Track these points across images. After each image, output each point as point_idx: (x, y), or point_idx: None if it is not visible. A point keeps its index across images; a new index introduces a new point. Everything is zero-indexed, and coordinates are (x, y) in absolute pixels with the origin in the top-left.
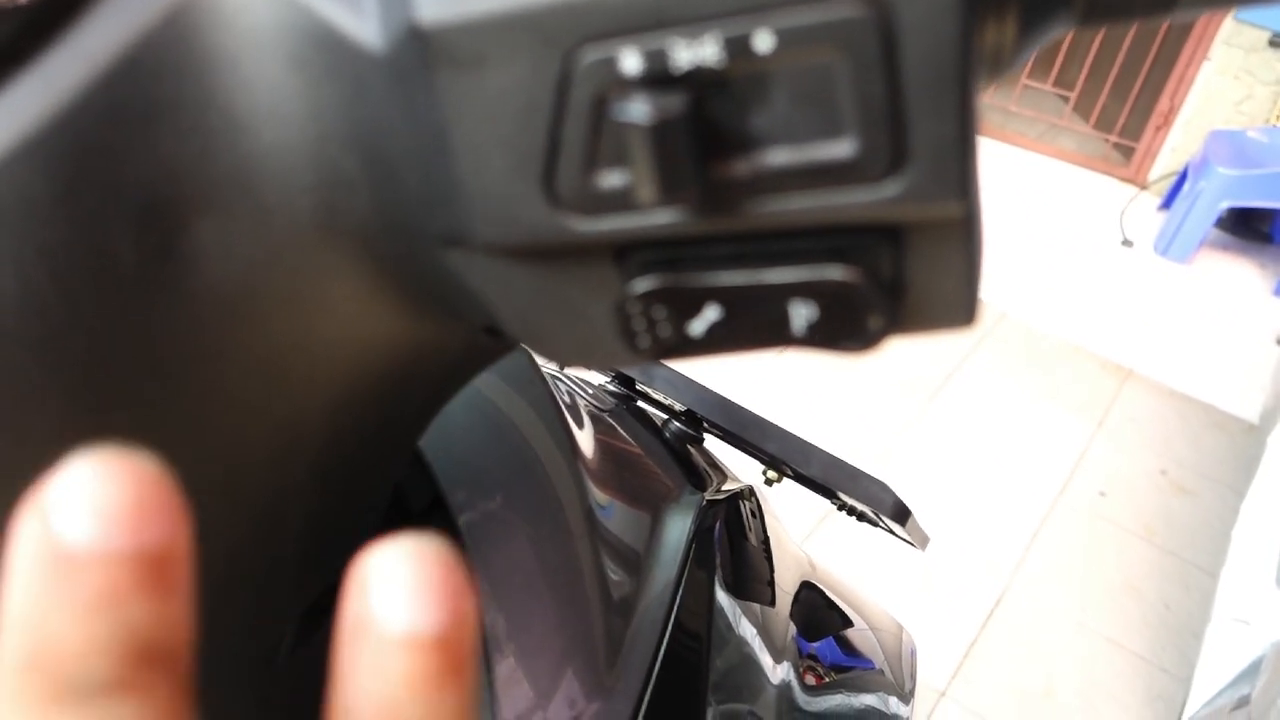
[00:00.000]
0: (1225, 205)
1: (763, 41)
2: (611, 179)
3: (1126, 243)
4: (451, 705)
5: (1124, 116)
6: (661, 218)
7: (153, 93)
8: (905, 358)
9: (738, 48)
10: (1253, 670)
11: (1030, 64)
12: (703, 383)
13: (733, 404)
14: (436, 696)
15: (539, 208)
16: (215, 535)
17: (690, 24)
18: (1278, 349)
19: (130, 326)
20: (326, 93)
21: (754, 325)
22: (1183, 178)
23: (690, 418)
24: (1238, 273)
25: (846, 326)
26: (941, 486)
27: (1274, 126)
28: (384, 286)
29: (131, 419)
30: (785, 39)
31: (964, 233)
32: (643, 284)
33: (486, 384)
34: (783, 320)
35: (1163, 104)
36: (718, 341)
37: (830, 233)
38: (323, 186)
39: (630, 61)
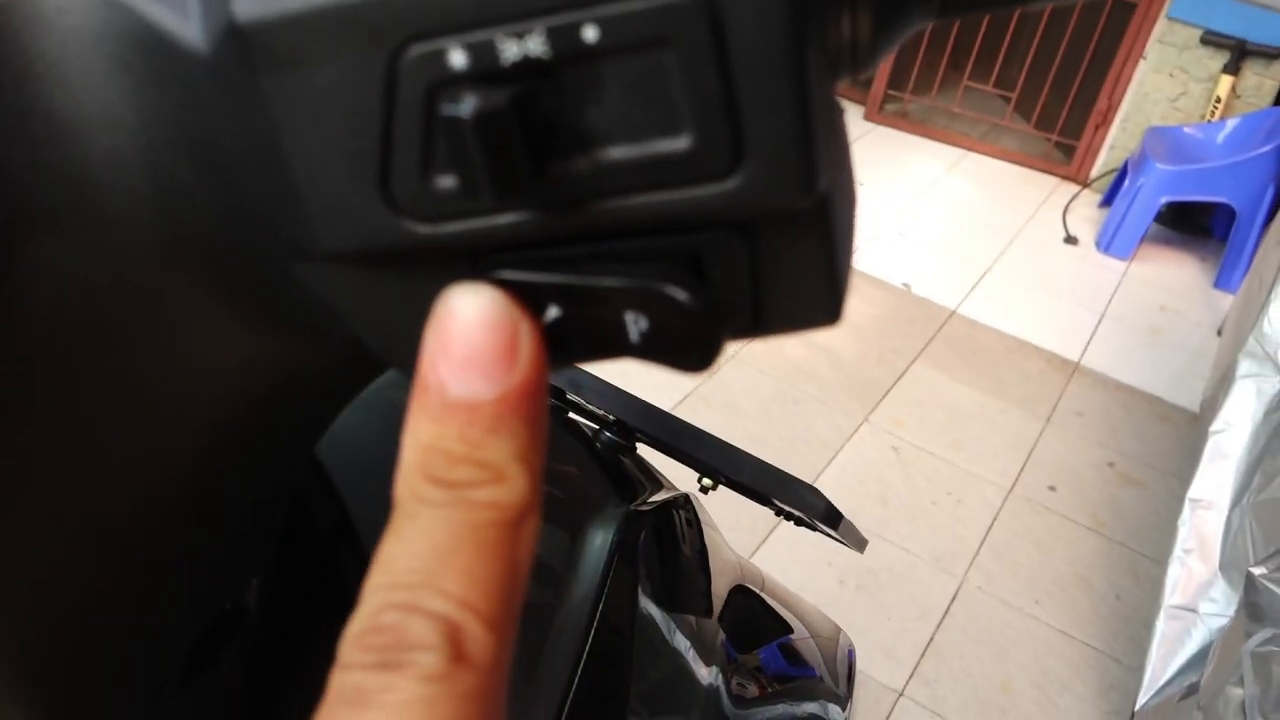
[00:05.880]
0: (1164, 200)
1: (589, 33)
2: (448, 181)
3: (1070, 239)
4: (505, 443)
5: (1064, 116)
6: (503, 219)
7: None
8: (854, 360)
9: (565, 40)
10: (1200, 658)
11: (971, 65)
12: (632, 392)
13: (663, 413)
14: (490, 440)
15: (378, 213)
16: (75, 568)
17: (515, 20)
18: (1219, 340)
19: None
20: (155, 97)
21: (591, 330)
22: (1123, 175)
23: (621, 427)
24: (1179, 266)
25: (678, 343)
26: (894, 486)
27: (1209, 123)
28: (237, 302)
29: None
30: (611, 29)
31: (818, 227)
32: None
33: (397, 395)
34: (619, 328)
35: (1101, 103)
36: (563, 343)
37: (681, 230)
38: (161, 197)
39: (457, 57)
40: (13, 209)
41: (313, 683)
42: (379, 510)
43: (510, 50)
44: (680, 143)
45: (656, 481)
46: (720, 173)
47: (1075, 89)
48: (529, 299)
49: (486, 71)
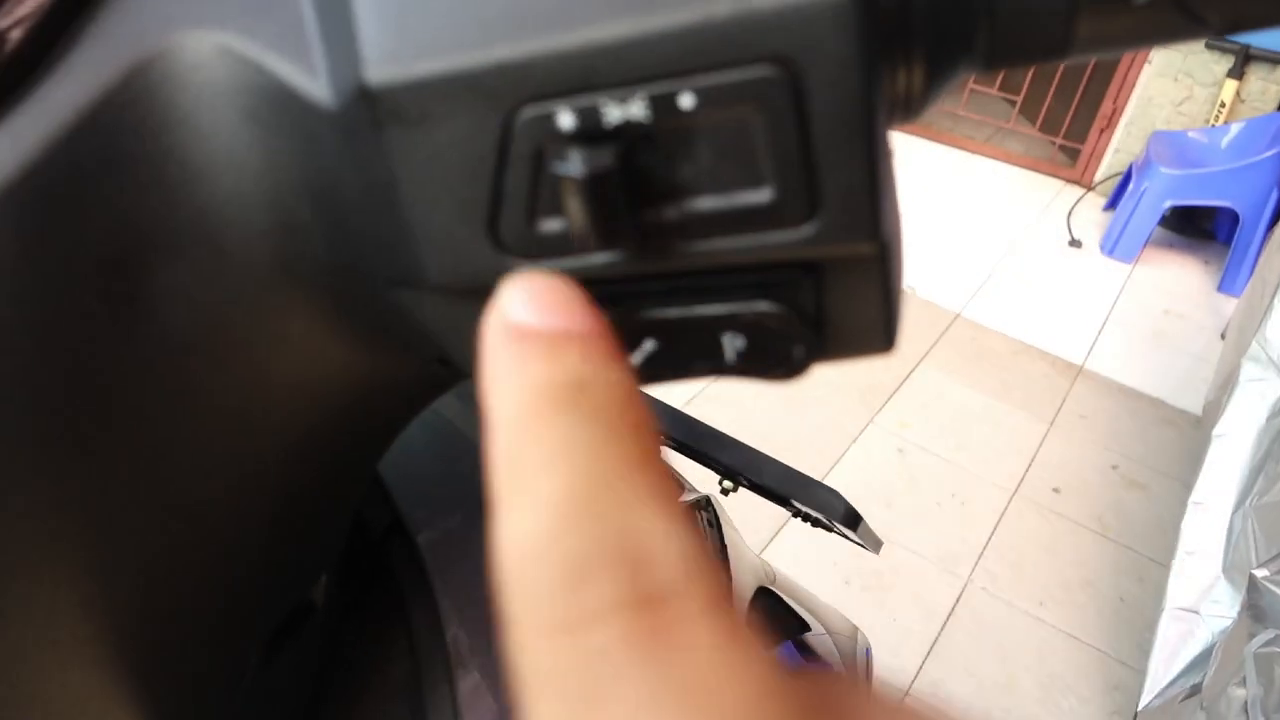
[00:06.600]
0: (1169, 204)
1: (685, 100)
2: (552, 225)
3: (1074, 243)
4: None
5: (1069, 119)
6: (600, 259)
7: (113, 148)
8: (862, 364)
9: (663, 106)
10: (1203, 659)
11: None
12: (656, 396)
13: (687, 417)
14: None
15: (485, 252)
16: (179, 565)
17: (619, 86)
18: (1222, 343)
19: (98, 366)
20: (280, 145)
21: (689, 355)
22: (1127, 178)
23: None
24: (1183, 270)
25: (773, 355)
26: (899, 488)
27: (1213, 127)
28: (339, 323)
29: (99, 453)
30: (706, 98)
31: (879, 268)
32: None
33: (442, 402)
34: (715, 350)
35: (1106, 106)
36: (655, 371)
37: (757, 269)
38: (279, 232)
39: (565, 119)
40: (146, 243)
41: (356, 674)
42: (429, 512)
43: (614, 114)
44: (762, 195)
45: (679, 484)
46: (796, 221)
47: (1080, 93)
48: (621, 336)
49: (591, 132)
